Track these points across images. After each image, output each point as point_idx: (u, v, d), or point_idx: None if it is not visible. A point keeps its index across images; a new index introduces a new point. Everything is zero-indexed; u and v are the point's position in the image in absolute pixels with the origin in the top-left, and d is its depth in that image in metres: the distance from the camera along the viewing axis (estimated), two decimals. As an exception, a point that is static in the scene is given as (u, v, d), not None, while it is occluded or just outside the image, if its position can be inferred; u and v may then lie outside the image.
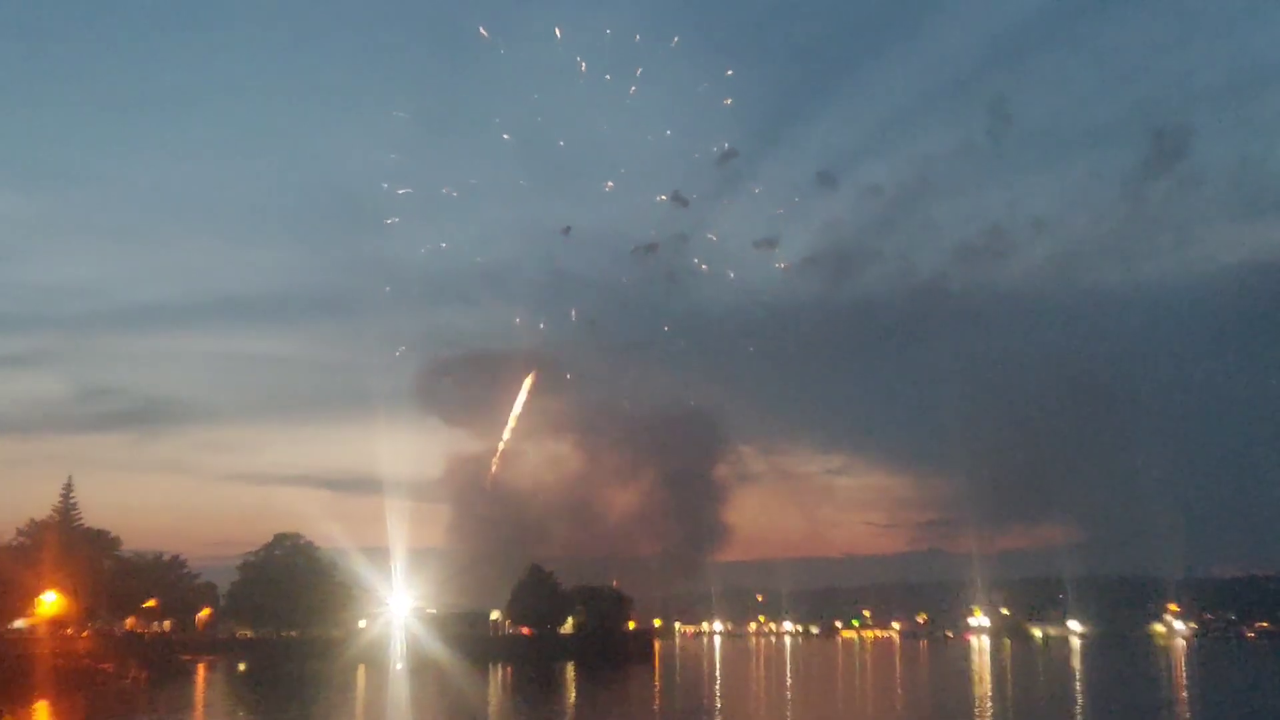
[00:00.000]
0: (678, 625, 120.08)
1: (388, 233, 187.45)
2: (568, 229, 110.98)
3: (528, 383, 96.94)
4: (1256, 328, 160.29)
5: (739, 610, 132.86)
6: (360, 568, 52.92)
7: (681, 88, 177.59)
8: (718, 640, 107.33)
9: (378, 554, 53.29)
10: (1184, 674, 43.60)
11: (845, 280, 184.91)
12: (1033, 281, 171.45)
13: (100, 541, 48.60)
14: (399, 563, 52.68)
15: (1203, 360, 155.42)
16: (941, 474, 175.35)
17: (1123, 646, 79.93)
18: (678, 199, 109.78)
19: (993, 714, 23.01)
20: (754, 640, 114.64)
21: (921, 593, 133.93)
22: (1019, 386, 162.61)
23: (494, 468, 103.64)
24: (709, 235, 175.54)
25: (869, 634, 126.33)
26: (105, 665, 37.01)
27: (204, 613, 56.53)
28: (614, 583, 68.69)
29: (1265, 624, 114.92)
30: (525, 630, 57.92)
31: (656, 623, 78.41)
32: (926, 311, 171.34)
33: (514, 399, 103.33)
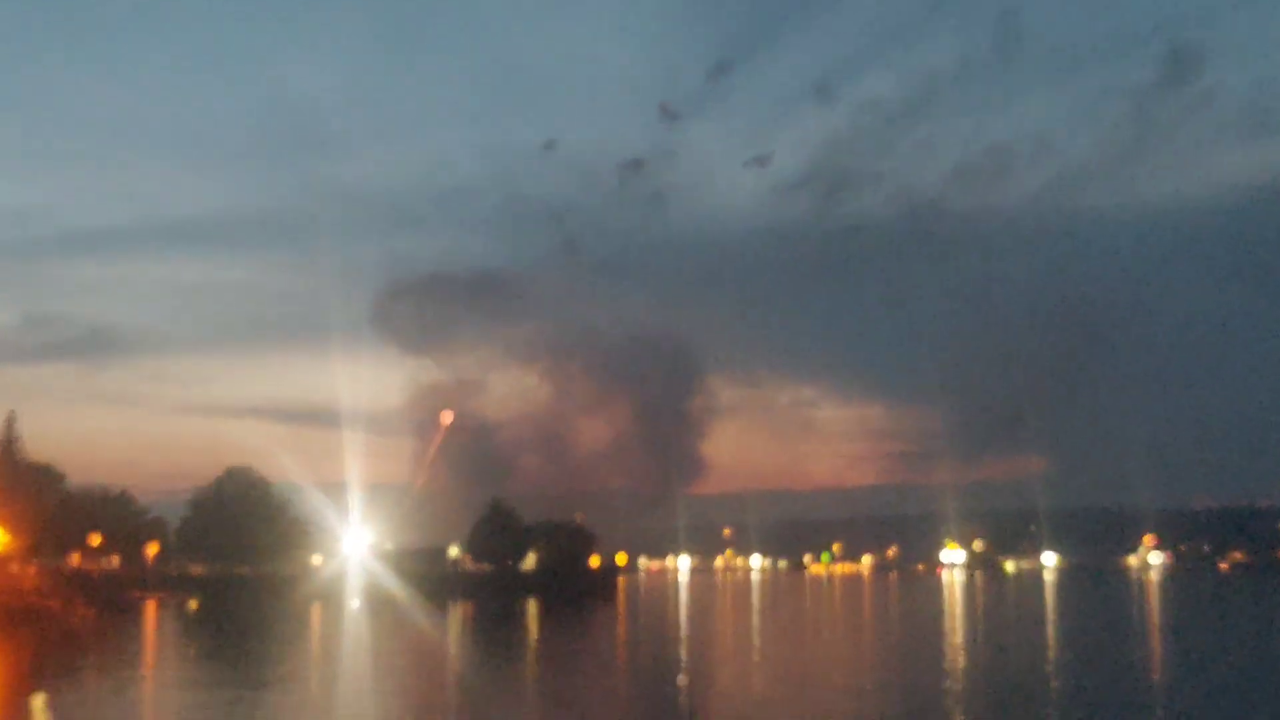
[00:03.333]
0: (643, 561, 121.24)
1: (344, 155, 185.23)
2: (549, 143, 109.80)
3: (489, 307, 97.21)
4: (1259, 252, 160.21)
5: (707, 545, 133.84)
6: (315, 503, 53.27)
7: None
8: (683, 576, 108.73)
9: (333, 489, 53.64)
10: (1155, 604, 44.95)
11: (837, 201, 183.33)
12: (1032, 204, 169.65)
13: (45, 475, 48.70)
14: (355, 498, 53.06)
15: (1197, 287, 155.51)
16: (917, 405, 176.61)
17: (1095, 578, 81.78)
18: (665, 113, 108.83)
19: (960, 651, 23.84)
20: (721, 576, 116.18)
21: (893, 526, 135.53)
22: (1004, 315, 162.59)
23: (455, 397, 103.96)
24: (697, 152, 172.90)
25: (838, 568, 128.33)
26: (51, 603, 37.28)
27: (153, 549, 56.78)
28: (578, 517, 69.57)
29: (1240, 555, 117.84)
30: (484, 566, 58.80)
31: (621, 559, 79.55)
32: (918, 235, 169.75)
33: (477, 325, 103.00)
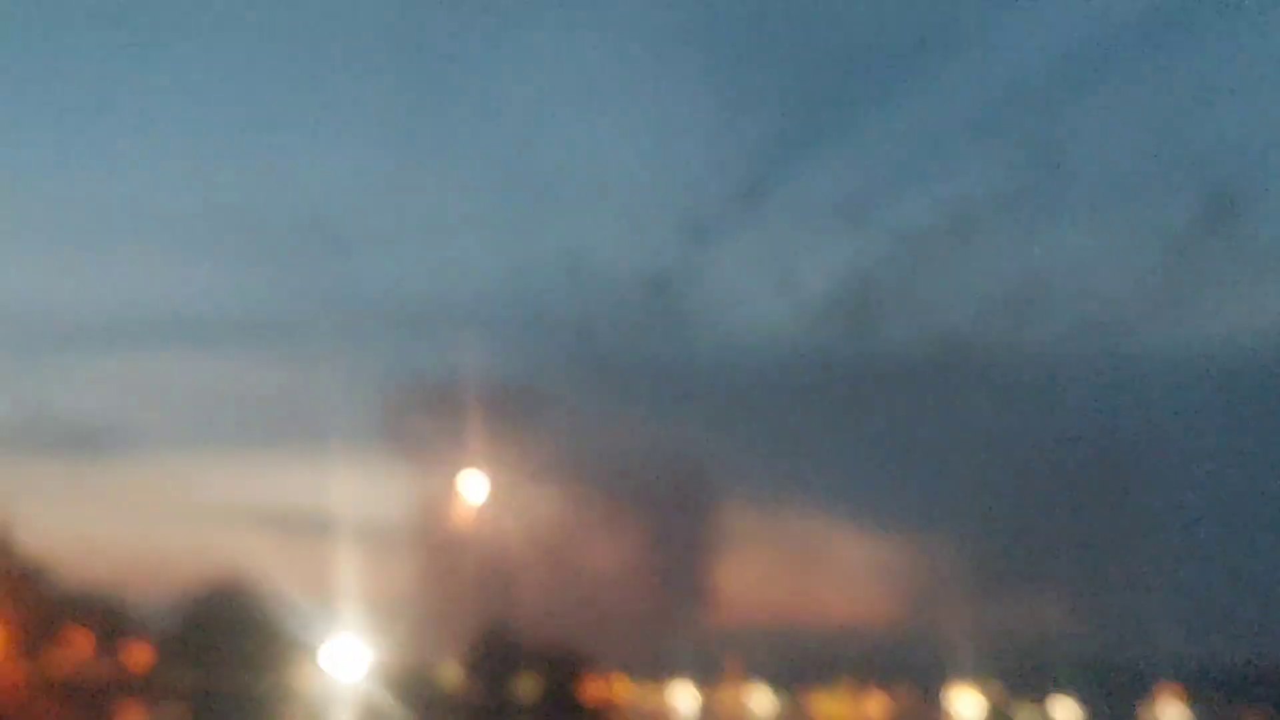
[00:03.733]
0: (646, 690, 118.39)
1: (355, 257, 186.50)
2: (572, 255, 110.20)
3: (500, 421, 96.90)
4: None
5: (712, 676, 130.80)
6: (309, 615, 52.40)
7: (696, 109, 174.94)
8: (688, 709, 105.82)
9: (329, 600, 52.78)
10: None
11: (865, 329, 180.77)
12: (1064, 342, 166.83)
13: (35, 574, 48.35)
14: (352, 611, 52.17)
15: (1231, 434, 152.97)
16: (939, 542, 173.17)
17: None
18: (690, 230, 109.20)
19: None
20: (726, 709, 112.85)
21: (906, 664, 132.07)
22: (1031, 454, 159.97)
23: (459, 512, 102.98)
24: (724, 272, 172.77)
25: (847, 707, 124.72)
26: (37, 707, 36.63)
27: (142, 654, 55.96)
28: (580, 642, 68.16)
29: (1264, 714, 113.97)
30: (478, 688, 57.60)
31: (622, 687, 77.71)
32: (947, 368, 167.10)
33: (488, 438, 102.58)
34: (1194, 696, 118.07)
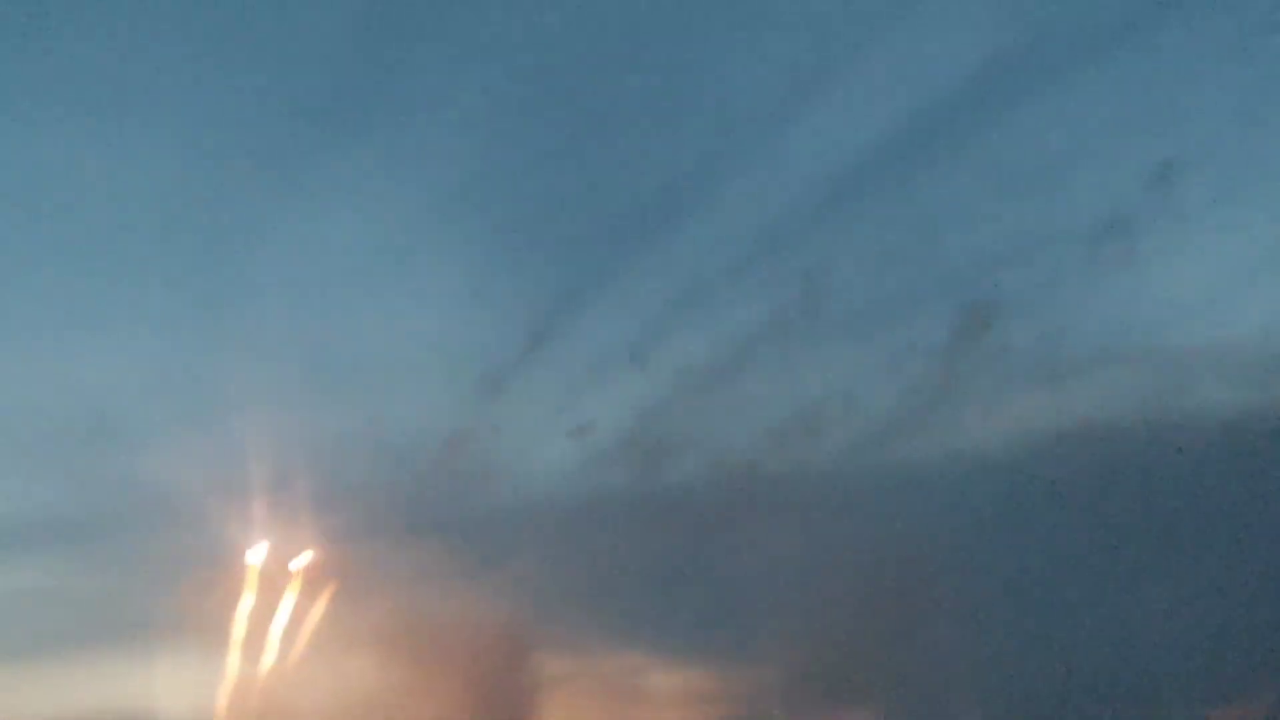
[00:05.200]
0: None
1: (139, 449, 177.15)
2: (368, 422, 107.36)
3: (294, 595, 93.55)
4: (1058, 491, 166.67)
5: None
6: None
7: (483, 269, 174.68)
8: None
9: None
10: None
11: (657, 466, 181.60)
12: (844, 461, 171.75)
13: None
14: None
15: (1003, 529, 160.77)
16: (746, 667, 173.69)
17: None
18: (486, 386, 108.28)
19: None
20: None
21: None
22: (828, 571, 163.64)
23: (266, 692, 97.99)
24: (519, 423, 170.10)
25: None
26: None
27: None
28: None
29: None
30: None
31: None
32: (736, 498, 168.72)
33: (287, 614, 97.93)
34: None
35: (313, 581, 55.70)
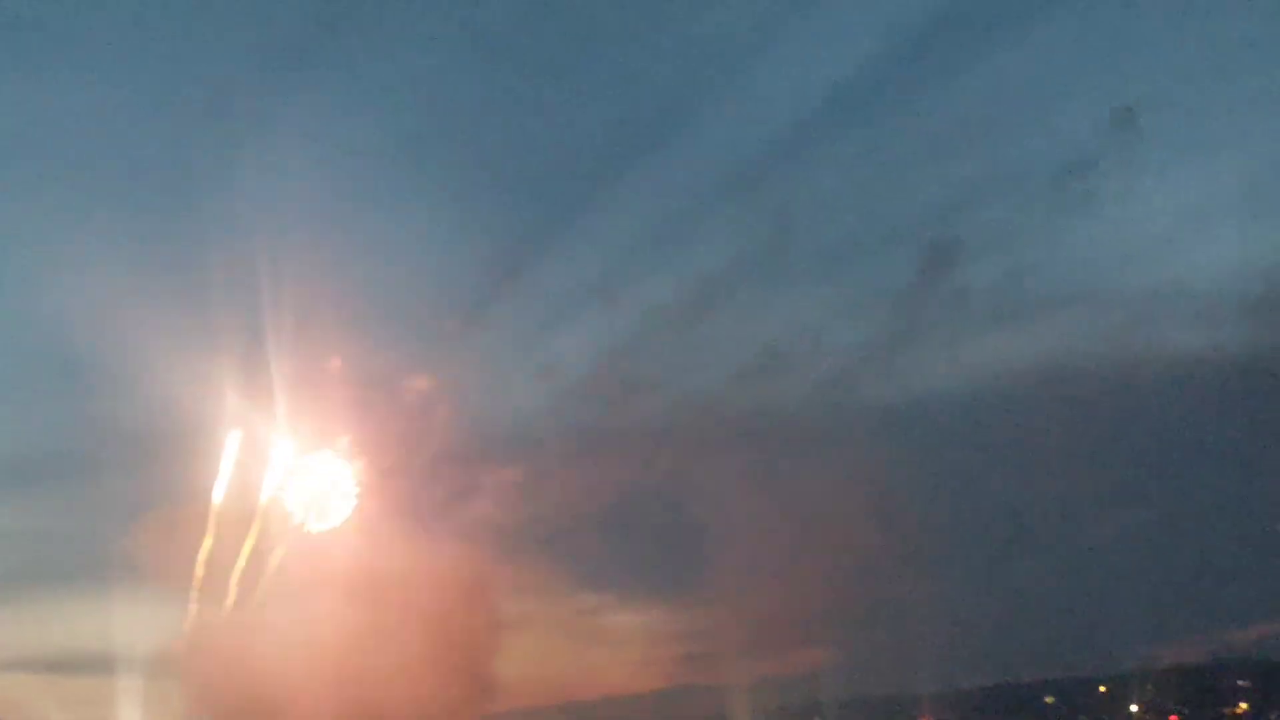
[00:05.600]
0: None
1: (105, 389, 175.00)
2: (337, 365, 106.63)
3: (257, 536, 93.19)
4: (1019, 434, 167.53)
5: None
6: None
7: (442, 207, 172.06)
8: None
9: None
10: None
11: (624, 405, 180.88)
12: (809, 402, 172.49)
13: None
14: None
15: (960, 472, 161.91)
16: (703, 606, 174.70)
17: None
18: (451, 326, 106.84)
19: None
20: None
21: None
22: (787, 512, 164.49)
23: (227, 633, 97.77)
24: (489, 361, 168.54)
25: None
26: None
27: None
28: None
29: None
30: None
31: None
32: (701, 438, 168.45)
33: (247, 556, 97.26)
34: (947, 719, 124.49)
35: (278, 520, 54.90)
